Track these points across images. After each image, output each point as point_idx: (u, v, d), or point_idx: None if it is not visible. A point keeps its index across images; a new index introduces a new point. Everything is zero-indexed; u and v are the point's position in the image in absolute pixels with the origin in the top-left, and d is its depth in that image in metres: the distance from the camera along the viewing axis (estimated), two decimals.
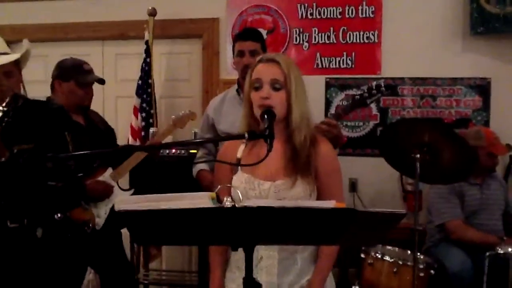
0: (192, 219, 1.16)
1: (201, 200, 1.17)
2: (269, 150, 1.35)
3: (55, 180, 1.95)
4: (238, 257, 1.66)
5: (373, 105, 3.48)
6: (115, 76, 3.92)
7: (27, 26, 3.84)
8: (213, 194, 1.18)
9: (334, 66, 3.53)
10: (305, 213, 1.18)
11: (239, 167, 1.64)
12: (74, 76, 2.43)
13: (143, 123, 3.55)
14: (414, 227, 2.33)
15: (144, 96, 3.55)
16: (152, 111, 3.57)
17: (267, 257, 1.63)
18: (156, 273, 3.63)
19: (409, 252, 2.62)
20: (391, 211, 1.19)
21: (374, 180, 3.50)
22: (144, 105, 3.55)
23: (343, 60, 3.51)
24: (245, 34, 2.58)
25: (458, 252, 2.72)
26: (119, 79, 3.91)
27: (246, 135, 1.39)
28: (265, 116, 1.51)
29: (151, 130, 3.04)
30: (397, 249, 2.70)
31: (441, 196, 2.81)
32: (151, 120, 3.56)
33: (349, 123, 3.52)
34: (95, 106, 3.88)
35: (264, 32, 3.58)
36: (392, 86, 2.38)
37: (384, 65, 3.45)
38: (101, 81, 2.56)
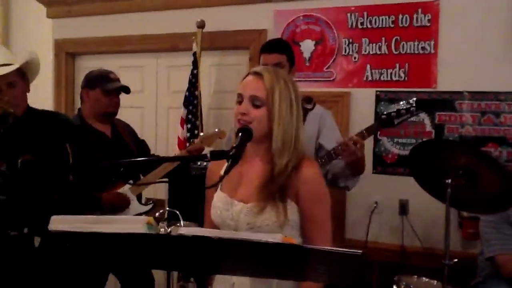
0: (123, 243, 1.10)
1: (135, 225, 1.10)
2: (226, 172, 1.25)
3: (57, 191, 1.99)
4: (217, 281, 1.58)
5: (427, 121, 3.20)
6: (168, 87, 4.00)
7: (88, 39, 4.05)
8: (151, 219, 1.11)
9: (385, 79, 3.29)
10: (246, 246, 1.06)
11: (220, 185, 1.55)
12: (100, 84, 2.50)
13: (188, 134, 3.56)
14: (444, 261, 2.06)
15: (190, 107, 3.57)
16: (197, 123, 3.58)
17: (239, 284, 1.51)
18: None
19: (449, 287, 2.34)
20: (343, 251, 1.04)
21: (427, 203, 3.18)
22: (190, 116, 3.57)
23: (395, 72, 3.27)
24: (270, 46, 2.47)
25: None
26: (171, 90, 3.97)
27: (209, 155, 1.30)
28: (239, 134, 1.41)
29: (191, 141, 3.05)
30: (435, 282, 2.44)
31: (491, 226, 2.48)
32: (196, 132, 3.57)
33: (400, 140, 3.26)
34: (149, 116, 4.03)
35: (312, 43, 3.47)
36: (423, 104, 2.14)
37: (440, 77, 3.16)
38: (126, 90, 2.60)
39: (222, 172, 1.52)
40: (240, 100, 1.53)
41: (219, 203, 1.56)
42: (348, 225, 3.40)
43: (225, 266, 1.14)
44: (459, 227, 3.12)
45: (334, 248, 1.04)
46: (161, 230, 1.09)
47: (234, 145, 1.36)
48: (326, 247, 1.04)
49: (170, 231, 1.07)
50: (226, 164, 1.54)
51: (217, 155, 1.32)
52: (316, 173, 1.54)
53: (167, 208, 1.11)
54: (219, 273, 1.40)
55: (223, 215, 1.53)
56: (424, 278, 2.47)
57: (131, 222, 1.10)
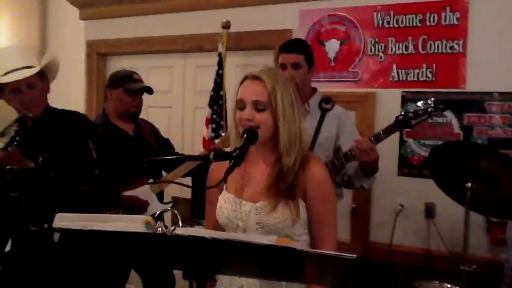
0: (122, 242, 1.12)
1: (134, 223, 1.12)
2: (227, 174, 1.26)
3: (81, 186, 2.03)
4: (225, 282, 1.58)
5: (455, 123, 3.11)
6: (194, 87, 4.04)
7: (118, 40, 4.14)
8: (150, 218, 1.13)
9: (412, 79, 3.22)
10: (240, 247, 1.07)
11: (225, 186, 1.56)
12: (123, 84, 2.56)
13: (213, 134, 3.59)
14: (462, 267, 2.00)
15: (215, 107, 3.59)
16: (222, 123, 3.60)
17: (248, 285, 1.51)
18: None
19: None
20: (337, 255, 1.02)
21: (454, 207, 3.09)
22: (214, 116, 3.60)
23: (422, 72, 3.19)
24: (288, 46, 2.46)
25: None
26: (198, 90, 4.01)
27: (212, 156, 1.31)
28: (244, 135, 1.42)
29: (214, 141, 3.08)
30: None
31: None
32: (220, 131, 3.59)
33: (426, 142, 3.18)
34: (176, 116, 4.09)
35: (337, 43, 3.44)
36: (442, 107, 2.07)
37: (469, 78, 3.06)
38: (149, 90, 2.65)
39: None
40: (241, 106, 1.53)
41: (226, 204, 1.57)
42: (373, 227, 3.35)
43: (222, 267, 1.15)
44: (487, 232, 3.02)
45: (328, 252, 1.04)
46: (158, 229, 1.11)
47: (238, 146, 1.37)
48: (319, 251, 1.03)
49: (167, 231, 1.09)
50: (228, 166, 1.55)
51: (219, 156, 1.33)
52: (323, 172, 1.55)
53: (169, 208, 1.13)
54: (217, 273, 1.41)
55: (230, 216, 1.54)
56: (446, 284, 2.41)
57: (131, 221, 1.13)
